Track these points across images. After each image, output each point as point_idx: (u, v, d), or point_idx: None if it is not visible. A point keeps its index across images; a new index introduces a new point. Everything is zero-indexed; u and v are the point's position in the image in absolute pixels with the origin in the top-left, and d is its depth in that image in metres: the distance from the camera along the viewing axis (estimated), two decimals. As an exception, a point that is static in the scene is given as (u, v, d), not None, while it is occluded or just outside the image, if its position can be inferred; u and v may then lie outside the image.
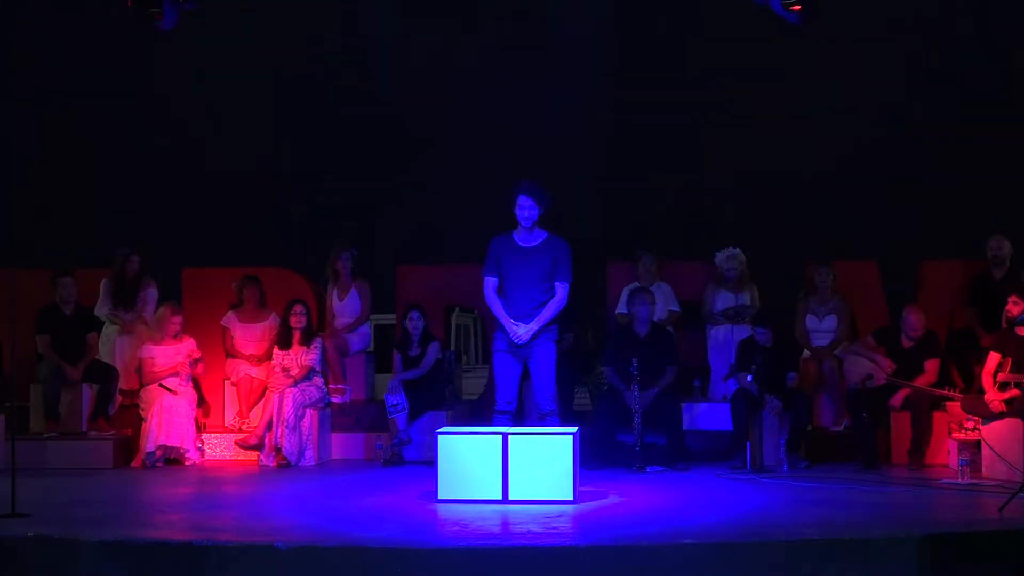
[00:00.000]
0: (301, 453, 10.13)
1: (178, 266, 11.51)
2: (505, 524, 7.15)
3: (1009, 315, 9.22)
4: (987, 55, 12.45)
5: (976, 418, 9.16)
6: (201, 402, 10.60)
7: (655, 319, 10.26)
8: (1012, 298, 9.24)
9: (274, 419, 10.12)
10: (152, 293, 11.09)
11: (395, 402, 10.15)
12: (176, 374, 10.35)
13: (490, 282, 8.45)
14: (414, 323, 10.51)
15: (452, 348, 12.76)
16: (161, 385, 10.29)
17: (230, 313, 10.98)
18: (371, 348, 11.79)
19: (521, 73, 13.18)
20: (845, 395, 10.13)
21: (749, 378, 9.73)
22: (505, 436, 7.90)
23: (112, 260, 11.03)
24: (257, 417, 10.43)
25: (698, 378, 11.08)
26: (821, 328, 10.66)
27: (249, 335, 10.89)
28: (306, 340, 10.45)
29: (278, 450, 10.08)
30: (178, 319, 10.52)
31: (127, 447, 10.28)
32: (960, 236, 11.28)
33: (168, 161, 13.13)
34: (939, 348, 10.01)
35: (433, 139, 13.25)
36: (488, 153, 12.59)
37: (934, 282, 11.03)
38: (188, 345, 10.55)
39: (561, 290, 8.40)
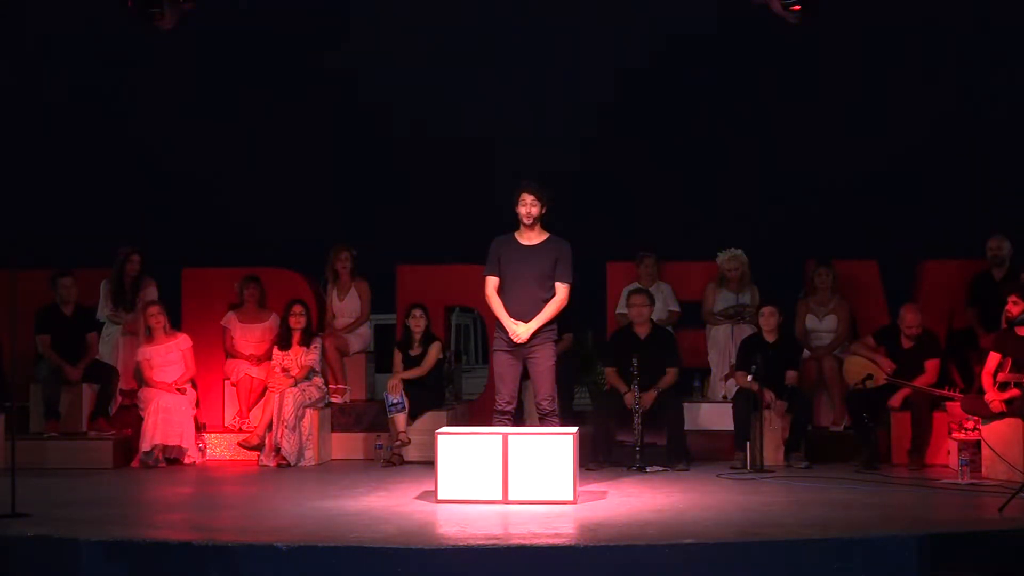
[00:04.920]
0: (301, 453, 10.13)
1: (178, 266, 11.51)
2: (505, 524, 7.15)
3: (1009, 315, 9.21)
4: (987, 54, 12.45)
5: (976, 418, 9.16)
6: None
7: (656, 319, 10.26)
8: (1012, 298, 9.24)
9: (274, 419, 10.12)
10: (152, 293, 11.09)
11: (395, 401, 10.14)
12: (180, 389, 10.33)
13: (491, 281, 8.46)
14: (416, 321, 10.50)
15: (452, 348, 12.76)
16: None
17: (230, 313, 10.98)
18: (371, 348, 11.79)
19: (522, 73, 13.19)
20: (845, 395, 10.13)
21: (750, 378, 9.73)
22: (505, 436, 7.91)
23: (113, 259, 11.03)
24: (257, 417, 10.43)
25: (698, 378, 11.09)
26: (821, 328, 10.66)
27: (249, 335, 10.89)
28: (306, 340, 10.45)
29: (278, 450, 10.08)
30: (154, 310, 10.43)
31: (127, 447, 10.27)
32: (960, 236, 11.27)
33: (168, 161, 13.13)
34: (939, 348, 10.01)
35: (433, 139, 13.26)
36: (489, 153, 12.60)
37: (934, 282, 11.03)
38: (183, 341, 10.52)
39: (562, 290, 8.41)
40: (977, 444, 9.11)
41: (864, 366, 9.94)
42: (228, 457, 10.49)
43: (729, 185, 12.83)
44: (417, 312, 10.52)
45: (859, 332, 10.62)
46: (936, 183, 12.29)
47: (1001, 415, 8.92)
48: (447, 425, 9.29)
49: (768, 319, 9.98)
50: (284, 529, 6.96)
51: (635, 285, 10.86)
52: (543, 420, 8.43)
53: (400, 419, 10.15)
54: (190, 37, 11.26)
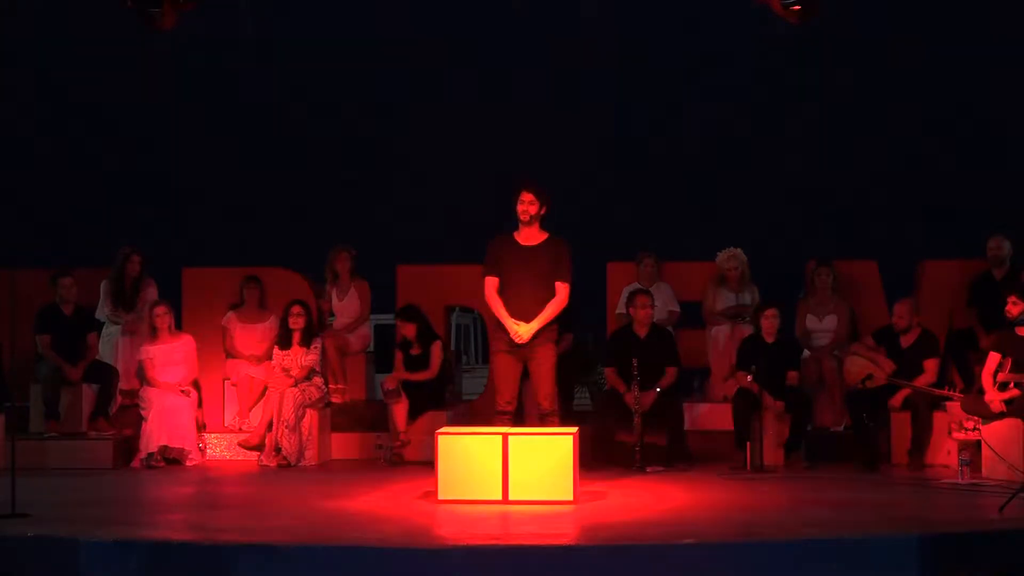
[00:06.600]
0: (301, 453, 10.13)
1: (178, 266, 11.51)
2: (505, 524, 7.15)
3: (1009, 315, 9.21)
4: (987, 54, 12.46)
5: (976, 418, 9.15)
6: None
7: (655, 319, 10.25)
8: (1012, 298, 9.22)
9: (274, 419, 10.12)
10: (152, 293, 11.09)
11: (390, 388, 10.17)
12: (185, 391, 10.35)
13: (490, 282, 8.45)
14: (406, 328, 10.53)
15: (452, 348, 12.75)
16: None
17: (230, 313, 10.98)
18: (371, 348, 11.78)
19: (522, 73, 13.20)
20: (845, 395, 10.12)
21: (749, 378, 9.73)
22: (505, 436, 7.91)
23: (113, 259, 11.03)
24: (257, 417, 10.44)
25: (698, 378, 11.08)
26: (821, 328, 10.66)
27: (249, 335, 10.89)
28: (306, 340, 10.44)
29: (278, 450, 10.08)
30: (161, 310, 10.44)
31: (127, 447, 10.27)
32: (960, 236, 11.28)
33: (167, 161, 13.14)
34: (939, 348, 10.01)
35: (433, 139, 13.26)
36: (489, 153, 12.60)
37: (934, 282, 11.03)
38: (187, 343, 10.52)
39: (562, 290, 8.40)
40: (977, 444, 9.10)
41: (864, 366, 9.93)
42: (228, 457, 10.48)
43: (729, 185, 12.83)
44: (401, 321, 10.56)
45: (859, 332, 10.62)
46: (936, 183, 12.29)
47: (1001, 415, 8.91)
48: (447, 425, 9.29)
49: (771, 321, 9.96)
50: (284, 529, 6.96)
51: (635, 285, 10.85)
52: (543, 420, 8.42)
53: (400, 418, 10.16)
54: (189, 37, 11.27)
